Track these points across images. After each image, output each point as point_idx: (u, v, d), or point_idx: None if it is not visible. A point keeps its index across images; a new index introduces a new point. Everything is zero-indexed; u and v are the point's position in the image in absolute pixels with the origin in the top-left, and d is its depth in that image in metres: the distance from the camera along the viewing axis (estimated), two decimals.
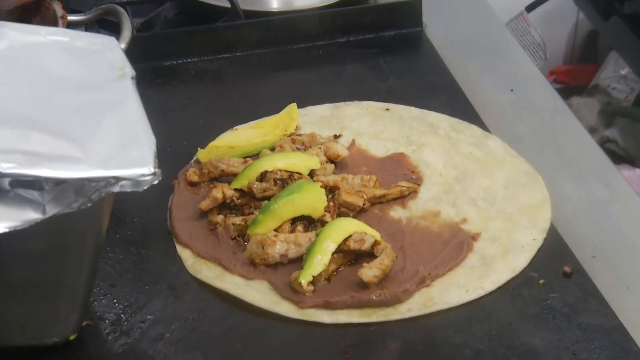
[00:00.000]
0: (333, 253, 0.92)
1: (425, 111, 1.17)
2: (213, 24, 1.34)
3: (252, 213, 0.98)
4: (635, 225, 1.02)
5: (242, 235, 0.98)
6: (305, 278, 0.90)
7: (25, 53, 0.82)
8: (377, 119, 1.15)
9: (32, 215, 0.70)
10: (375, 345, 0.87)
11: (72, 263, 0.79)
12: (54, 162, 0.70)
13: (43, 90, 0.78)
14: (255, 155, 1.07)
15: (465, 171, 1.06)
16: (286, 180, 1.00)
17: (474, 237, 0.97)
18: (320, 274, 0.91)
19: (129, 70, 0.82)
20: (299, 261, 0.93)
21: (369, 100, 1.19)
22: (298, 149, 1.06)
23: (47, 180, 0.70)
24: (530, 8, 2.06)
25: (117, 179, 0.71)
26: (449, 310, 0.90)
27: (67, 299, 0.83)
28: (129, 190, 0.72)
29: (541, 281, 0.93)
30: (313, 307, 0.90)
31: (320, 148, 1.07)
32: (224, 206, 1.01)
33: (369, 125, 1.14)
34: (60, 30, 0.87)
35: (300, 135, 1.10)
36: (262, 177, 1.00)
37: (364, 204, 1.00)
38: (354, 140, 1.11)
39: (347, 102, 1.18)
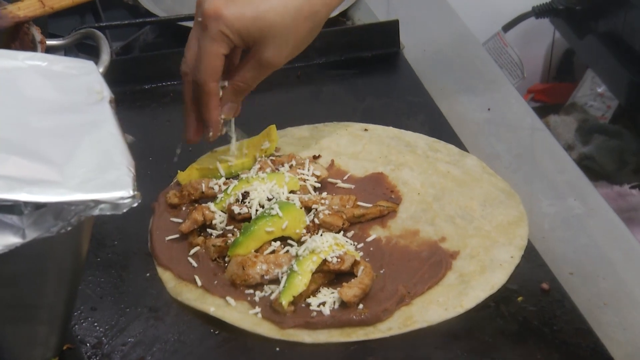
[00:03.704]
0: (313, 273, 0.93)
1: (403, 131, 1.18)
2: None
3: (233, 234, 0.99)
4: (612, 242, 1.03)
5: (222, 256, 0.98)
6: (286, 298, 0.91)
7: (2, 78, 0.82)
8: (356, 139, 1.16)
9: (11, 240, 0.70)
10: None
11: (51, 286, 0.79)
12: (32, 186, 0.71)
13: (20, 114, 0.79)
14: (235, 177, 1.07)
15: (443, 190, 1.07)
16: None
17: (453, 256, 0.98)
18: (300, 294, 0.92)
19: (107, 94, 0.83)
20: (279, 281, 0.94)
21: (347, 121, 1.20)
22: (278, 170, 1.07)
23: (27, 204, 0.70)
24: (506, 28, 2.08)
25: (97, 202, 0.72)
26: (428, 328, 0.91)
27: (46, 322, 0.83)
28: (108, 213, 0.72)
29: (520, 298, 0.94)
30: (294, 327, 0.91)
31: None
32: (204, 228, 1.01)
33: (348, 146, 1.15)
34: (38, 55, 0.88)
35: (279, 156, 1.10)
36: (242, 198, 1.01)
37: (343, 224, 1.01)
38: (333, 161, 1.12)
39: (326, 123, 1.19)
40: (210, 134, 1.03)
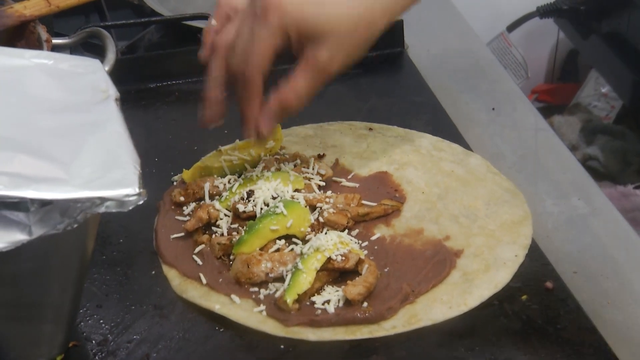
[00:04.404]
0: (318, 271, 0.93)
1: (407, 130, 1.18)
2: (197, 46, 1.34)
3: (238, 233, 0.99)
4: (616, 241, 1.03)
5: (227, 254, 0.98)
6: (290, 296, 0.91)
7: (8, 76, 0.82)
8: (360, 139, 1.16)
9: (18, 237, 0.70)
10: None
11: (57, 284, 0.80)
12: (39, 183, 0.71)
13: (26, 113, 0.79)
14: (240, 175, 1.07)
15: (447, 189, 1.07)
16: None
17: (457, 254, 0.98)
18: (305, 292, 0.92)
19: (112, 92, 0.83)
20: (284, 279, 0.94)
21: (351, 120, 1.20)
22: (282, 168, 1.07)
23: (33, 201, 0.70)
24: (511, 28, 2.08)
25: (102, 200, 0.72)
26: (432, 326, 0.91)
27: (52, 319, 0.83)
28: (114, 210, 0.73)
29: (523, 297, 0.94)
30: (298, 325, 0.91)
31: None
32: (209, 226, 1.01)
33: (352, 145, 1.15)
34: (44, 53, 0.88)
35: (284, 155, 1.11)
36: (247, 196, 1.01)
37: (348, 223, 1.01)
38: (337, 160, 1.12)
39: (331, 122, 1.20)
40: (254, 132, 0.99)
